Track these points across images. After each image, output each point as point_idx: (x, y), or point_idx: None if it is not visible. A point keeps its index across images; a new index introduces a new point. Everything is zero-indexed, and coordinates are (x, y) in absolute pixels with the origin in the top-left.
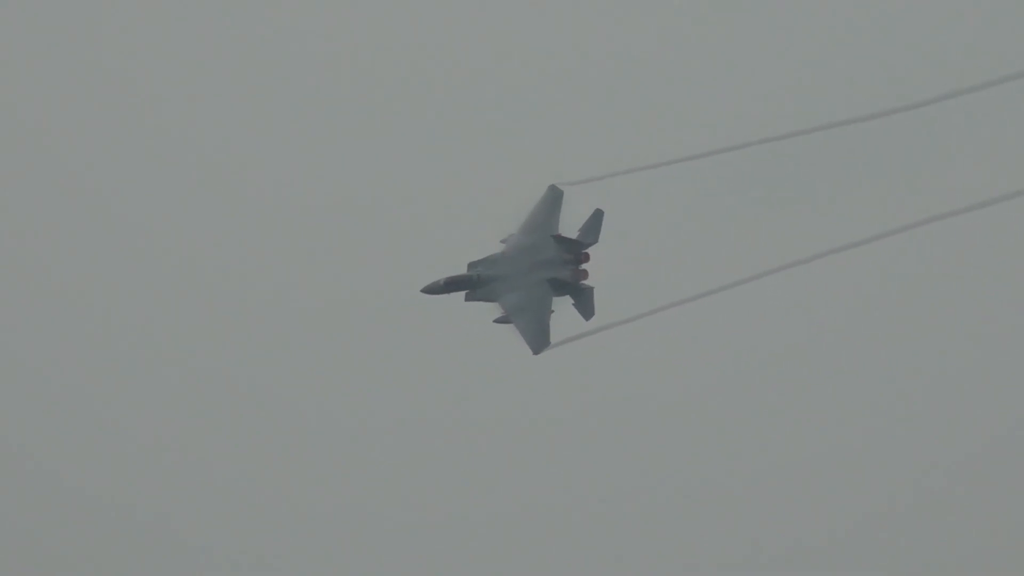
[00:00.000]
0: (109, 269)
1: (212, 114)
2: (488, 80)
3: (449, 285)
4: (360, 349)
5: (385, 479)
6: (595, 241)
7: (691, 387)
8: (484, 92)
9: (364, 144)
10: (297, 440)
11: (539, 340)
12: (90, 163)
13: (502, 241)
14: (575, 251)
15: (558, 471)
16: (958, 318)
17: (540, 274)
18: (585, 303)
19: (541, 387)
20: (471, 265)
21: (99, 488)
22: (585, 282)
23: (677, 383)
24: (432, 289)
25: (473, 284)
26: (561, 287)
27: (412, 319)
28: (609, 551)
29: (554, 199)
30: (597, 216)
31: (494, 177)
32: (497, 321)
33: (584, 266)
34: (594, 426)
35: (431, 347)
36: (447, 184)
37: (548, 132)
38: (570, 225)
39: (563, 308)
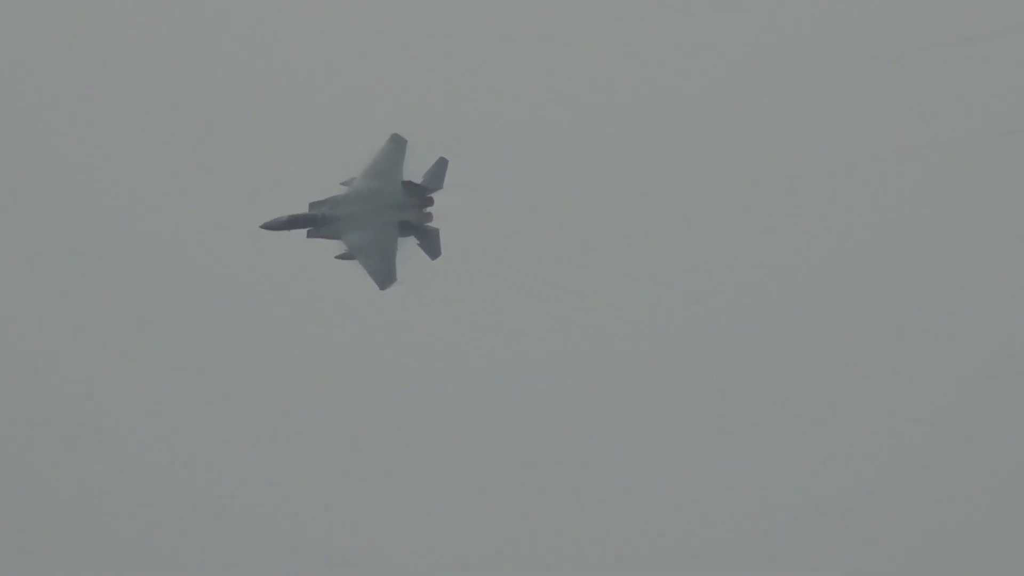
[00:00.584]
0: None
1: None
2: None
3: (292, 222)
4: (204, 283)
5: (233, 410)
6: (440, 187)
7: (536, 326)
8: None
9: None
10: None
11: (387, 276)
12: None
13: (342, 184)
14: (422, 196)
15: (403, 401)
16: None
17: (386, 216)
18: (432, 243)
19: (386, 322)
20: (312, 205)
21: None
22: (430, 224)
23: (517, 323)
24: (273, 225)
25: (317, 222)
26: (408, 228)
27: (252, 254)
28: (438, 486)
29: (397, 147)
30: (441, 164)
31: (334, 124)
32: (339, 257)
33: (429, 210)
34: (435, 361)
35: (274, 281)
36: (286, 127)
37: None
38: (413, 173)
39: (407, 248)
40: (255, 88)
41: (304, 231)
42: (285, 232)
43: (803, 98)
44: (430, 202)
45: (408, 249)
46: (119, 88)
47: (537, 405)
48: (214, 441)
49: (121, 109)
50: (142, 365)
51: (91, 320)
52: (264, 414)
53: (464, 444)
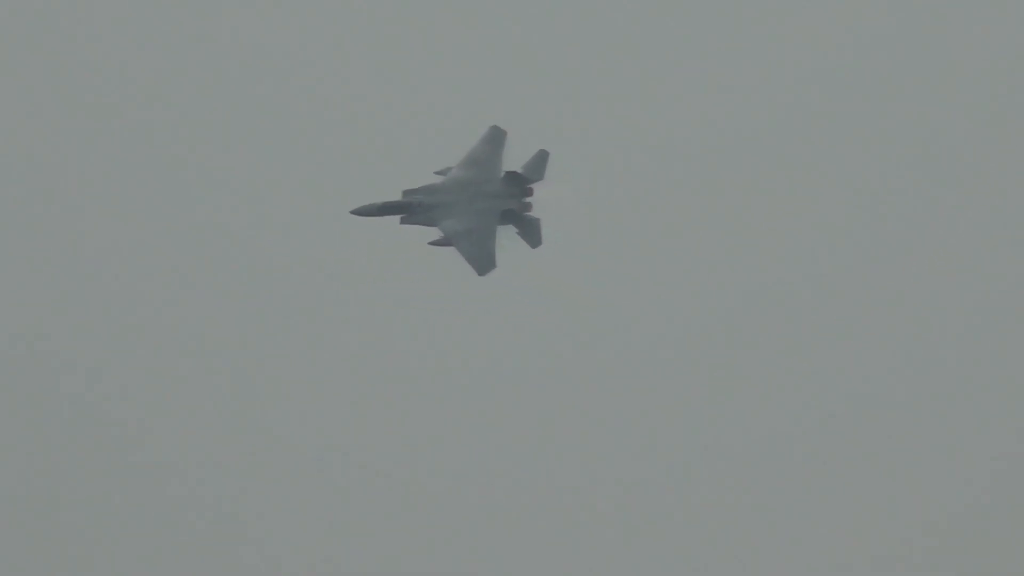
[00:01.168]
0: None
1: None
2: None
3: (385, 208)
4: (295, 269)
5: (321, 396)
6: (541, 179)
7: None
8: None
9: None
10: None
11: (486, 262)
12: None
13: (436, 173)
14: (522, 186)
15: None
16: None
17: (486, 204)
18: (532, 232)
19: (484, 308)
20: (406, 193)
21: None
22: (530, 214)
23: (622, 312)
24: (364, 211)
25: (413, 209)
26: (508, 217)
27: (343, 240)
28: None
29: (496, 138)
30: (542, 156)
31: (431, 113)
32: (434, 244)
33: (529, 200)
34: (541, 350)
35: (367, 267)
36: (379, 114)
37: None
38: (512, 164)
39: (508, 237)
40: (347, 73)
41: (397, 218)
42: (378, 218)
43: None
44: (531, 192)
45: (507, 237)
46: (217, 67)
47: (630, 394)
48: (308, 428)
49: (214, 92)
50: (231, 352)
51: (185, 305)
52: (359, 401)
53: (555, 428)
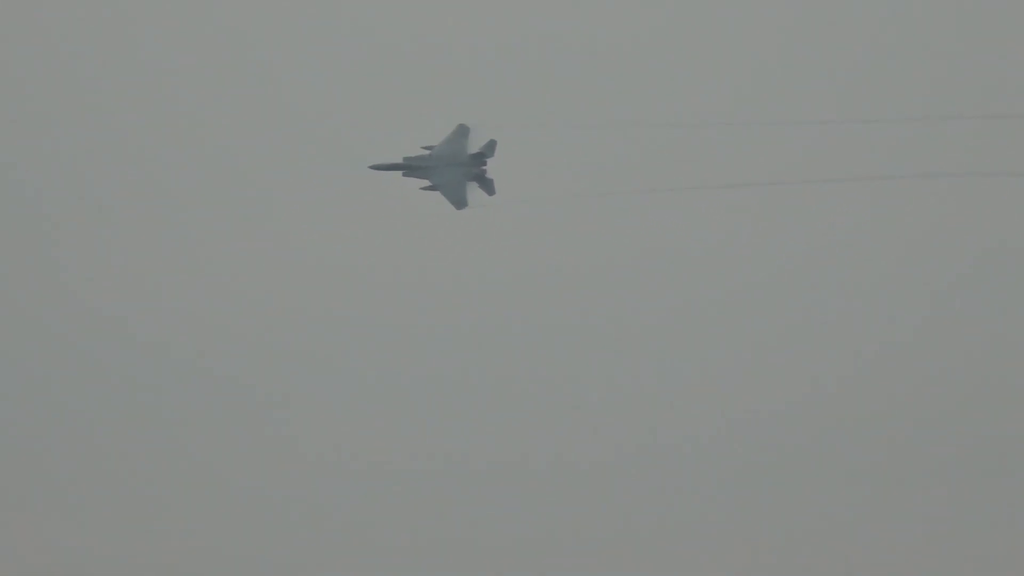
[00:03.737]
0: None
1: None
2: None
3: (393, 166)
4: (328, 203)
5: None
6: (492, 156)
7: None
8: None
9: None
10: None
11: (461, 201)
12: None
13: (423, 148)
14: (481, 159)
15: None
16: None
17: (459, 169)
18: (488, 185)
19: (458, 230)
20: (406, 159)
21: None
22: (487, 176)
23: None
24: (380, 167)
25: (412, 167)
26: (473, 177)
27: (363, 186)
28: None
29: (463, 131)
30: (492, 143)
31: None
32: (425, 189)
33: (484, 168)
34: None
35: (382, 204)
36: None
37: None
38: (473, 147)
39: (471, 190)
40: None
41: (401, 172)
42: (388, 172)
43: None
44: (484, 163)
45: (472, 188)
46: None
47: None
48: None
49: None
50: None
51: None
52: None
53: (509, 360)
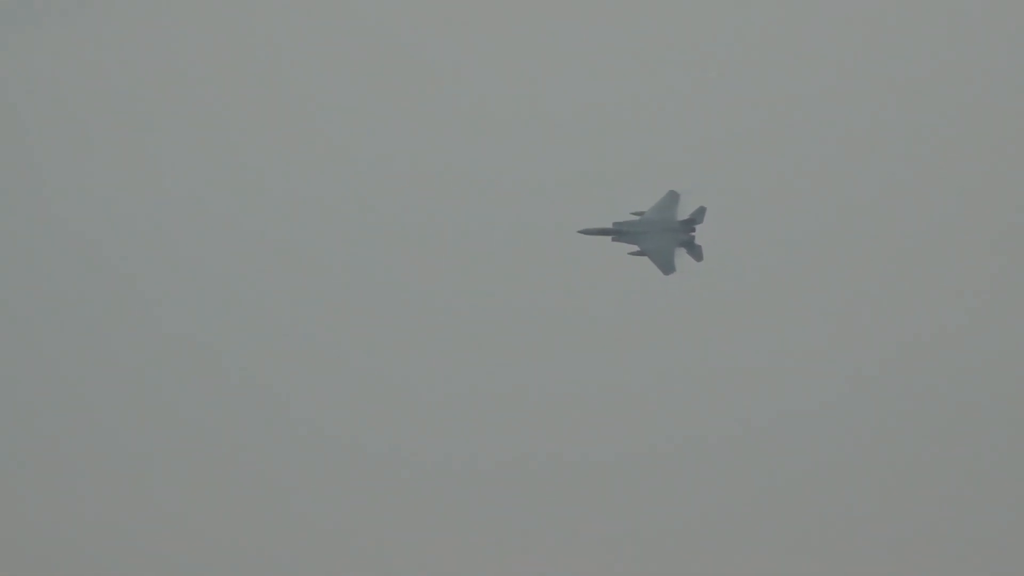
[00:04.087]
0: None
1: None
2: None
3: (603, 231)
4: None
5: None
6: (701, 222)
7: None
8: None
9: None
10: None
11: (668, 266)
12: None
13: (633, 214)
14: (689, 225)
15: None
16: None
17: (668, 235)
18: (697, 253)
19: (666, 294)
20: (615, 223)
21: None
22: (696, 242)
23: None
24: (589, 231)
25: (621, 232)
26: (681, 242)
27: (571, 251)
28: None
29: (673, 197)
30: (702, 209)
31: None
32: (633, 254)
33: (693, 233)
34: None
35: (588, 269)
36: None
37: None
38: (683, 213)
39: (680, 255)
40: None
41: (609, 237)
42: (597, 237)
43: None
44: (694, 229)
45: (681, 255)
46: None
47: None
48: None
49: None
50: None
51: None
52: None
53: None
